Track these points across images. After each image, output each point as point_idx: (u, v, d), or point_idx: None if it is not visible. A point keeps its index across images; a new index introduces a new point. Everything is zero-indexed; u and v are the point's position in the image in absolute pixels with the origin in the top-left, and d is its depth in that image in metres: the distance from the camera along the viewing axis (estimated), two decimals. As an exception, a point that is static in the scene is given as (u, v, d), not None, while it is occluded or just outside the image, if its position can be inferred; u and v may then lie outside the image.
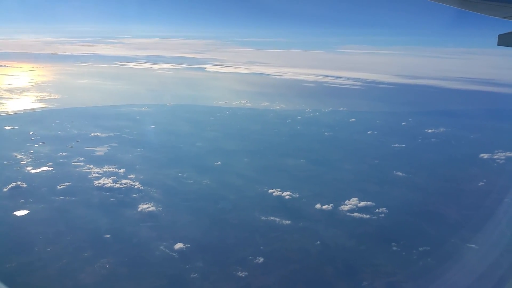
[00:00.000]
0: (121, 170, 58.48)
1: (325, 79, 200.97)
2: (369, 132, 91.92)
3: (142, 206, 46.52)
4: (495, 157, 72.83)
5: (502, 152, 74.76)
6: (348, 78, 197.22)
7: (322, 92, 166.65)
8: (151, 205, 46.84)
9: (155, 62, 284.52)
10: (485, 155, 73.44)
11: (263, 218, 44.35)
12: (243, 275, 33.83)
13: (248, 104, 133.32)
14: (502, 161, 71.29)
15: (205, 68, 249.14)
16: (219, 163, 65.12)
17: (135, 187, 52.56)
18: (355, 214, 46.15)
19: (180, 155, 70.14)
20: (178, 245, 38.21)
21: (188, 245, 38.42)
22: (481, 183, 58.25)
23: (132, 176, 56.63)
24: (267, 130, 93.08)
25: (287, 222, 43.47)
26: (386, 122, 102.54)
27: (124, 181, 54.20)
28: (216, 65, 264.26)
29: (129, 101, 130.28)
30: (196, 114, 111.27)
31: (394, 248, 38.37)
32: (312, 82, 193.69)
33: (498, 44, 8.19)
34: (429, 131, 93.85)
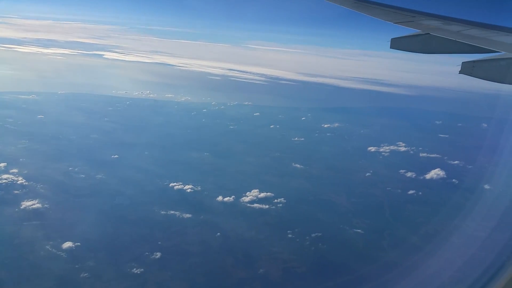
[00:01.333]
0: (1, 164, 51.97)
1: (231, 73, 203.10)
2: (271, 126, 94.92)
3: (26, 203, 42.19)
4: (381, 150, 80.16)
5: (387, 146, 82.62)
6: (254, 73, 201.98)
7: (228, 85, 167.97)
8: (36, 202, 42.60)
9: (46, 46, 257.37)
10: (372, 148, 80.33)
11: (162, 212, 43.05)
12: (139, 272, 32.47)
13: (151, 95, 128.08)
14: (387, 153, 78.84)
15: (104, 55, 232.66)
16: (116, 156, 61.48)
17: (18, 182, 47.31)
18: (255, 205, 47.31)
19: (71, 147, 64.67)
20: (67, 244, 35.38)
21: (78, 243, 35.69)
22: (368, 174, 63.82)
23: (15, 170, 50.77)
24: (170, 122, 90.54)
25: (188, 215, 42.83)
26: (287, 117, 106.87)
27: (5, 176, 48.35)
28: (116, 52, 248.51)
29: (14, 88, 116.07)
30: (92, 104, 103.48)
31: (290, 236, 40.21)
32: (218, 76, 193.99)
33: (391, 47, 8.75)
34: (325, 126, 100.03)
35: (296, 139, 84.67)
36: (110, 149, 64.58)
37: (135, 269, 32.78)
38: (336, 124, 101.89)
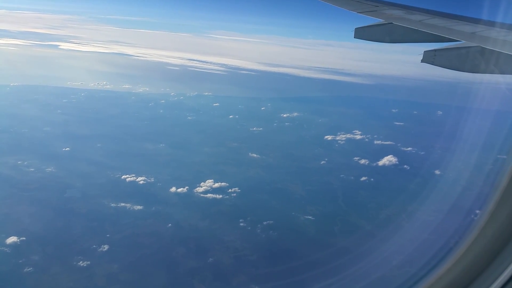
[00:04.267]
0: None
1: (190, 63, 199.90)
2: (230, 116, 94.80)
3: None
4: (337, 138, 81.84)
5: (344, 134, 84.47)
6: (214, 63, 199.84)
7: (187, 76, 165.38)
8: (-21, 197, 40.70)
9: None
10: (329, 137, 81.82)
11: (112, 205, 42.37)
12: (85, 265, 32.02)
13: (107, 86, 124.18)
14: (343, 141, 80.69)
15: (59, 45, 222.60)
16: (67, 149, 59.61)
17: (-41, 178, 45.06)
18: (209, 195, 47.44)
19: (22, 141, 62.17)
20: (11, 239, 34.52)
21: (24, 238, 34.79)
22: (323, 162, 65.22)
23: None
24: (126, 114, 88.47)
25: (139, 207, 42.43)
26: (247, 107, 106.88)
27: None
28: (72, 42, 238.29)
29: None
30: (45, 96, 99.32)
31: (242, 224, 40.71)
32: (177, 66, 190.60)
33: (355, 37, 8.73)
34: (285, 115, 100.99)
35: (254, 129, 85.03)
36: (62, 142, 62.59)
37: (81, 262, 32.30)
38: (295, 114, 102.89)
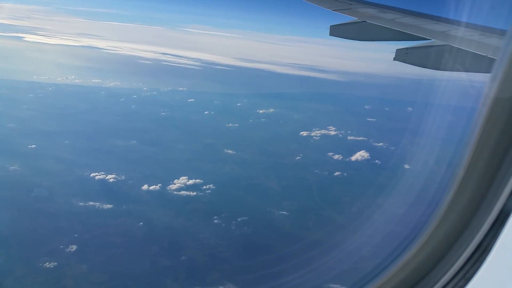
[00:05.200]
0: None
1: (164, 57, 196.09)
2: (206, 112, 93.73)
3: None
4: (312, 134, 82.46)
5: (319, 130, 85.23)
6: (188, 58, 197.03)
7: (161, 70, 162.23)
8: None
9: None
10: (304, 133, 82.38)
11: (81, 204, 40.89)
12: (52, 266, 30.74)
13: (76, 80, 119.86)
14: (317, 137, 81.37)
15: (24, 37, 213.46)
16: (33, 146, 57.20)
17: None
18: (183, 192, 46.62)
19: (-18, 138, 59.21)
20: (-30, 243, 32.48)
21: (-17, 241, 32.96)
22: (298, 157, 65.51)
23: None
24: (96, 109, 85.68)
25: (109, 206, 41.12)
26: (223, 103, 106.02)
27: None
28: (38, 35, 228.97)
29: None
30: (9, 91, 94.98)
31: (216, 221, 40.17)
32: (149, 60, 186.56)
33: (330, 35, 8.74)
34: (261, 111, 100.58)
35: (230, 125, 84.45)
36: (27, 139, 59.95)
37: (47, 263, 30.98)
38: (271, 110, 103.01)
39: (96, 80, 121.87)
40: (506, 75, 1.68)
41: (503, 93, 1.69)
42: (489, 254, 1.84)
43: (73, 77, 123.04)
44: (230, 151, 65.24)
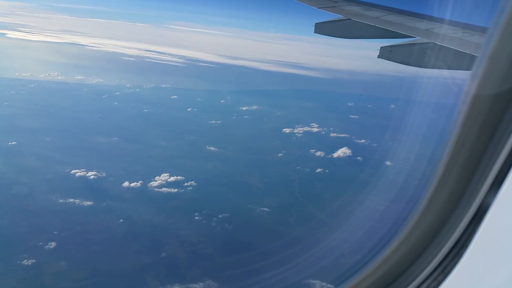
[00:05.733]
0: None
1: (148, 54, 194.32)
2: (189, 109, 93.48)
3: None
4: (295, 131, 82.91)
5: (301, 127, 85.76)
6: (172, 55, 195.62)
7: (145, 67, 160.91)
8: None
9: None
10: (287, 130, 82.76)
11: (60, 201, 40.75)
12: (30, 263, 30.70)
13: (59, 77, 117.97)
14: (300, 134, 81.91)
15: (7, 34, 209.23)
16: (14, 143, 56.51)
17: None
18: (164, 189, 46.74)
19: (-39, 136, 58.25)
20: None
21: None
22: (280, 154, 66.01)
23: None
24: (78, 106, 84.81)
25: (89, 203, 41.06)
26: (206, 100, 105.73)
27: None
28: (21, 31, 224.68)
29: None
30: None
31: (197, 218, 40.50)
32: (133, 56, 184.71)
33: (315, 32, 8.74)
34: (244, 108, 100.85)
35: (213, 122, 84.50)
36: (8, 136, 59.17)
37: (25, 260, 30.93)
38: (255, 107, 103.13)
39: (79, 77, 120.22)
40: (486, 72, 1.67)
41: (482, 90, 1.69)
42: (467, 249, 1.88)
43: (55, 74, 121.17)
44: (213, 148, 65.45)
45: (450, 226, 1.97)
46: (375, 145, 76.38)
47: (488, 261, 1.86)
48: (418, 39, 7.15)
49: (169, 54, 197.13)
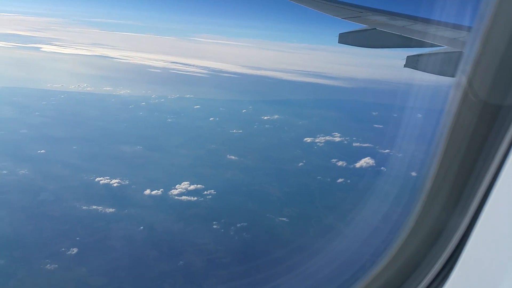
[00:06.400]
0: None
1: (173, 66, 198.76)
2: (211, 119, 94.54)
3: None
4: (316, 140, 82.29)
5: (323, 137, 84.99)
6: (196, 66, 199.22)
7: (170, 78, 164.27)
8: None
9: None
10: (308, 139, 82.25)
11: (84, 208, 42.02)
12: (52, 268, 31.75)
13: (88, 88, 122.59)
14: (322, 144, 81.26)
15: (41, 48, 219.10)
16: (43, 151, 58.85)
17: None
18: (183, 197, 47.39)
19: (-4, 143, 61.15)
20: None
21: (-10, 243, 34.18)
22: (301, 164, 65.65)
23: None
24: (106, 116, 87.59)
25: (111, 210, 42.15)
26: (228, 110, 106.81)
27: None
28: (54, 45, 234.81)
29: None
30: (24, 98, 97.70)
31: (215, 227, 40.79)
32: (159, 68, 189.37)
33: (339, 42, 8.82)
34: (265, 118, 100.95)
35: (234, 131, 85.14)
36: (37, 144, 61.74)
37: (48, 265, 31.98)
38: (276, 116, 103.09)
39: (107, 88, 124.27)
40: (479, 75, 1.65)
41: (476, 94, 1.67)
42: (464, 251, 1.88)
43: (85, 85, 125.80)
44: (233, 157, 65.87)
45: (449, 230, 1.96)
46: (400, 155, 74.58)
47: (488, 261, 1.83)
48: (445, 48, 7.09)
49: (193, 65, 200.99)
